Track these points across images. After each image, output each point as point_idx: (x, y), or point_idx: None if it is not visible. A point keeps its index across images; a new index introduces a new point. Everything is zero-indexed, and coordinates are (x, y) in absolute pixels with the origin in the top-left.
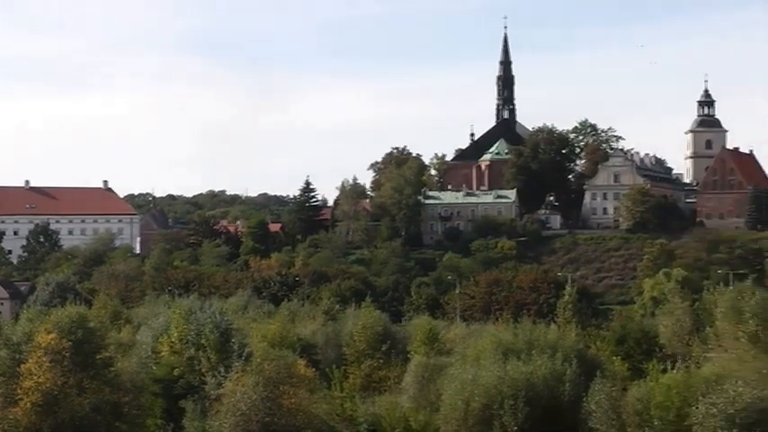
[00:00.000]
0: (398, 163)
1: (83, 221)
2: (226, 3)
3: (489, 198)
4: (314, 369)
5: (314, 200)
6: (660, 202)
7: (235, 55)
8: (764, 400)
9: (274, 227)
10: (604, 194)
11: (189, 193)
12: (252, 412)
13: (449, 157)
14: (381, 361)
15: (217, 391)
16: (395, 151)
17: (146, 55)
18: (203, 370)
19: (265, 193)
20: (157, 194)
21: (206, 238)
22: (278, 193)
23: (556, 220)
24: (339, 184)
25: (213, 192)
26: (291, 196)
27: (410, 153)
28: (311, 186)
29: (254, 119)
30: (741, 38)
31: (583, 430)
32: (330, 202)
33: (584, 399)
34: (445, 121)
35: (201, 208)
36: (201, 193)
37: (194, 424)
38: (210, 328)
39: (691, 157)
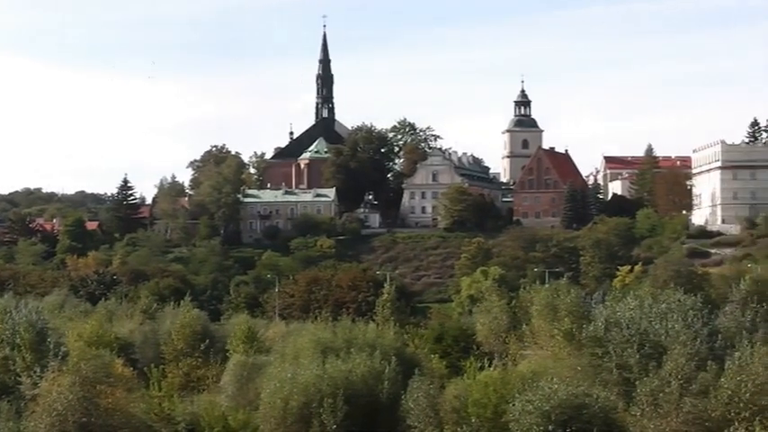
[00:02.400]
0: (217, 161)
1: None
2: None
3: (308, 197)
4: (132, 368)
5: (132, 198)
6: (478, 201)
7: (54, 51)
8: (579, 397)
9: (92, 225)
10: (423, 193)
11: (4, 190)
12: (68, 412)
13: (268, 156)
14: (200, 360)
15: (32, 391)
16: (214, 149)
17: None
18: (18, 370)
19: (82, 191)
20: None
21: (22, 237)
22: (95, 191)
23: (375, 219)
24: (158, 182)
25: (29, 189)
26: (109, 194)
27: (229, 151)
28: (129, 184)
29: (71, 116)
30: (556, 38)
31: (401, 428)
32: (148, 201)
33: (403, 397)
34: (264, 119)
35: (17, 206)
36: (17, 191)
37: (9, 425)
38: (26, 327)
39: (508, 157)
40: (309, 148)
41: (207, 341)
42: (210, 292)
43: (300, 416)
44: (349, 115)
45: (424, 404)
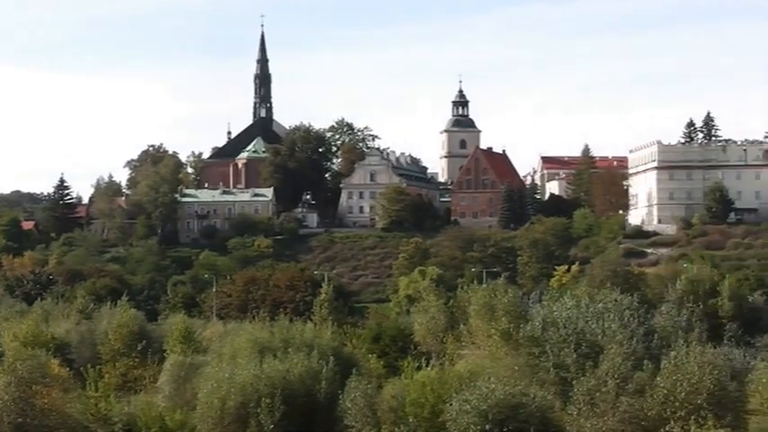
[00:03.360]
0: (154, 161)
1: None
2: None
3: (246, 196)
4: (68, 368)
5: (68, 197)
6: (415, 201)
7: None
8: (516, 396)
9: (27, 225)
10: (361, 193)
11: None
12: (4, 413)
13: (206, 156)
14: (137, 360)
15: None
16: (151, 149)
17: None
18: None
19: (18, 191)
20: None
21: None
22: (31, 191)
23: (313, 219)
24: (94, 181)
25: None
26: (45, 194)
27: (166, 151)
28: (65, 184)
29: (6, 114)
30: (495, 38)
31: (338, 428)
32: (85, 200)
33: (340, 396)
34: (202, 118)
35: None
36: None
37: None
38: None
39: (445, 157)
40: (247, 148)
41: (144, 341)
42: (147, 292)
43: (238, 416)
44: (287, 115)
45: (361, 404)
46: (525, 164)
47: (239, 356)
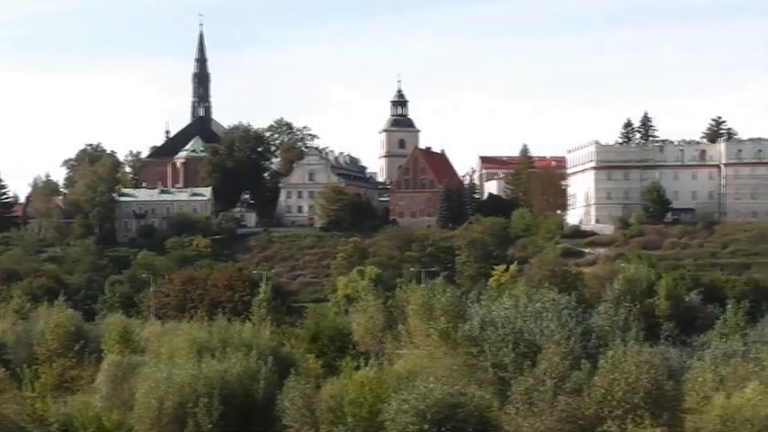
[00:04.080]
0: (92, 160)
1: None
2: None
3: (184, 196)
4: (4, 369)
5: (5, 197)
6: (354, 201)
7: None
8: (454, 396)
9: None
10: (299, 193)
11: None
12: None
13: (144, 155)
14: (74, 360)
15: None
16: (89, 148)
17: None
18: None
19: None
20: None
21: None
22: None
23: (251, 218)
24: (31, 180)
25: None
26: None
27: (104, 150)
28: (2, 183)
29: None
30: (434, 37)
31: (277, 428)
32: (22, 199)
33: (279, 396)
34: (140, 117)
35: None
36: None
37: None
38: None
39: (384, 156)
40: (185, 148)
41: (81, 341)
42: (85, 292)
43: (175, 416)
44: (226, 114)
45: (299, 404)
46: (464, 164)
47: (177, 356)
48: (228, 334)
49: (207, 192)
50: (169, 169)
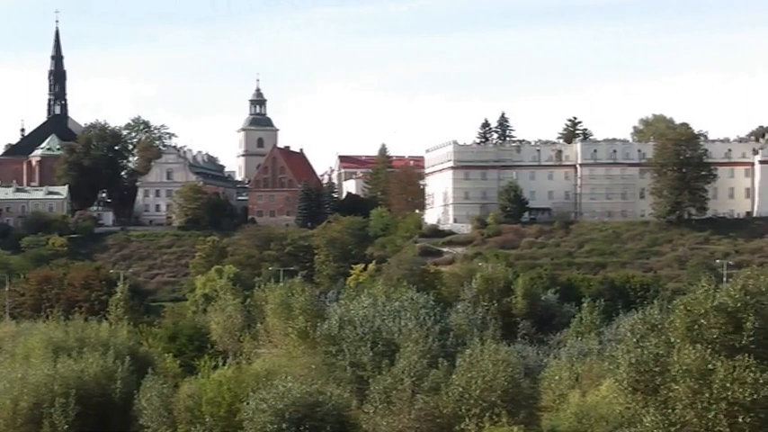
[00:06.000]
0: None
1: None
2: None
3: (40, 194)
4: None
5: None
6: (212, 200)
7: None
8: (313, 395)
9: None
10: (157, 191)
11: None
12: None
13: None
14: None
15: None
16: None
17: None
18: None
19: None
20: None
21: None
22: None
23: (108, 217)
24: None
25: None
26: None
27: None
28: None
29: None
30: (293, 37)
31: (134, 428)
32: None
33: (136, 396)
34: None
35: None
36: None
37: None
38: None
39: (243, 155)
40: (41, 146)
41: None
42: None
43: (31, 416)
44: (82, 113)
45: (157, 404)
46: (323, 163)
47: (33, 356)
48: (85, 334)
49: (63, 190)
50: (24, 167)
